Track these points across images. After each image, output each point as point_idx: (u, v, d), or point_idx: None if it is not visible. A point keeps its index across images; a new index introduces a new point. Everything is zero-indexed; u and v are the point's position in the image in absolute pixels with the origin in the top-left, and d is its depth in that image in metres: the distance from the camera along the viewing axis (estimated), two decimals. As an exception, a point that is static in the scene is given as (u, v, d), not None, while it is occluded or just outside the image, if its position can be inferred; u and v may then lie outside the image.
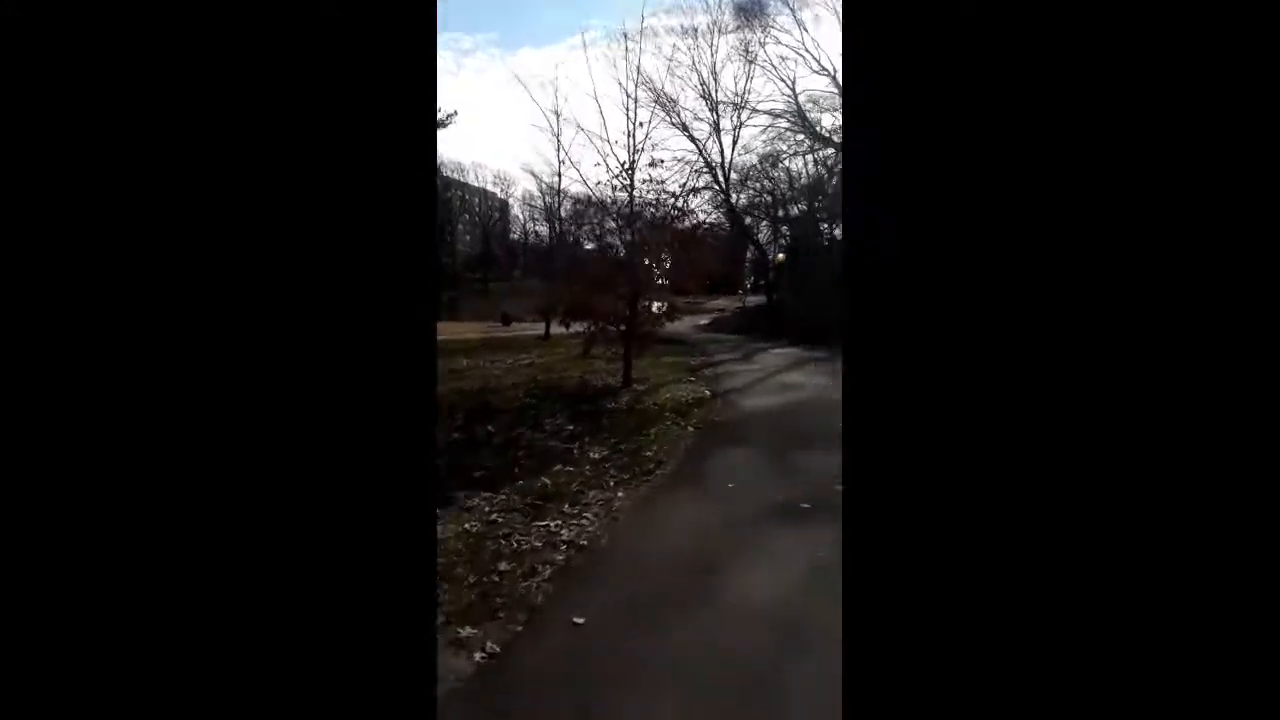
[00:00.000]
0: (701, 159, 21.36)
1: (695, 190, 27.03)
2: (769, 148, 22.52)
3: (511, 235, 64.03)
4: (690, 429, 5.95)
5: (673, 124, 20.64)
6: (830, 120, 20.77)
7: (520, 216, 63.16)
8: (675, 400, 7.37)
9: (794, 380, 9.20)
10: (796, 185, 23.99)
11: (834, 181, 21.68)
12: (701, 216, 8.76)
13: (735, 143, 21.95)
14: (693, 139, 21.16)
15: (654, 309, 8.07)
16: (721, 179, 21.85)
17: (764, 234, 25.85)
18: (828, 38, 20.38)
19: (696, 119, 20.97)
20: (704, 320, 27.60)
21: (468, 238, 59.08)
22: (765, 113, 21.44)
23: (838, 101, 22.48)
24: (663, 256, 8.32)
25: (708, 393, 7.96)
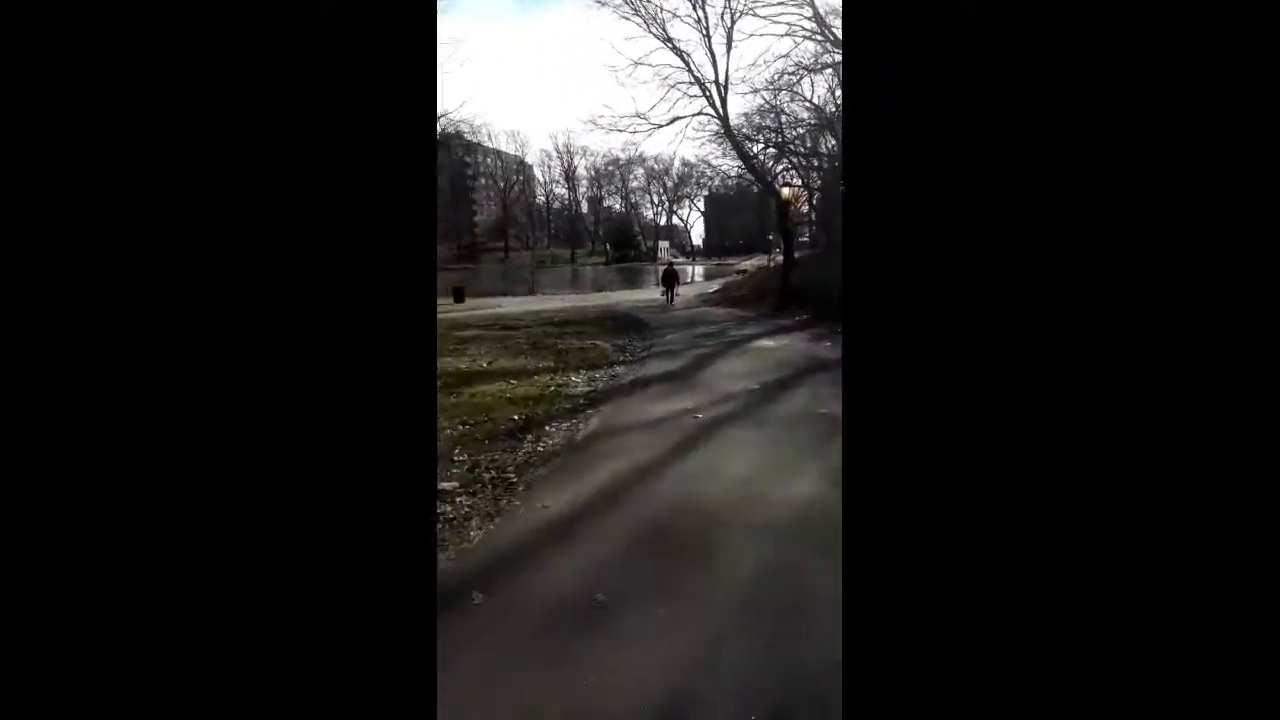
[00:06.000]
0: (690, 75, 15.64)
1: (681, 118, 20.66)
2: (777, 64, 16.48)
3: (536, 199, 57.44)
4: None
5: (654, 34, 15.10)
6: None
7: (541, 178, 57.30)
8: None
9: (739, 468, 4.18)
10: (824, 115, 17.91)
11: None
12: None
13: (729, 49, 15.80)
14: (677, 50, 15.41)
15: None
16: (717, 102, 16.11)
17: (794, 179, 19.91)
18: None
19: (675, 16, 15.14)
20: (714, 287, 22.26)
21: (491, 205, 53.49)
22: (769, 18, 15.21)
23: None
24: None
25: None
